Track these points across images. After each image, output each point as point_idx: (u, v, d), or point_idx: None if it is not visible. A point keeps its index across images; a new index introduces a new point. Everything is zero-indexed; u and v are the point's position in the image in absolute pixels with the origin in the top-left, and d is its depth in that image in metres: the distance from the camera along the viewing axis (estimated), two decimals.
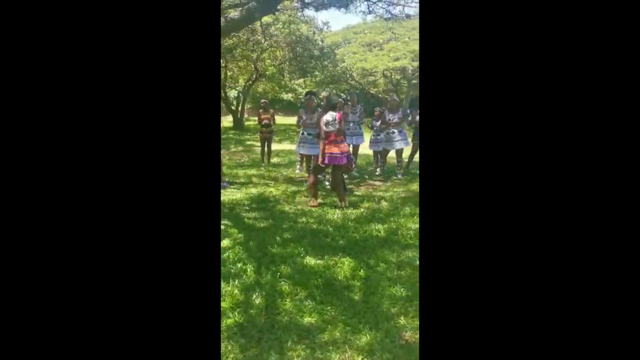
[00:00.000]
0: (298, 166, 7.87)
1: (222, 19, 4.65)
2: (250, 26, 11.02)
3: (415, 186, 6.43)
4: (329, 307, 2.58)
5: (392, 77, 21.54)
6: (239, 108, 18.66)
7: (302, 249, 3.56)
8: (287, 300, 2.68)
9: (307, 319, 2.45)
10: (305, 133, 6.55)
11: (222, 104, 18.70)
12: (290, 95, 22.19)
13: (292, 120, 9.52)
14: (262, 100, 9.62)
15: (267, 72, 17.00)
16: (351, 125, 7.20)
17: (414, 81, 20.37)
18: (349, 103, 7.59)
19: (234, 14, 4.91)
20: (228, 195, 5.76)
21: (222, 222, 4.48)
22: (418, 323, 2.42)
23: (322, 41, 17.76)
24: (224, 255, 3.41)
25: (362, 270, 3.14)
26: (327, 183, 6.51)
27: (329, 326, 2.39)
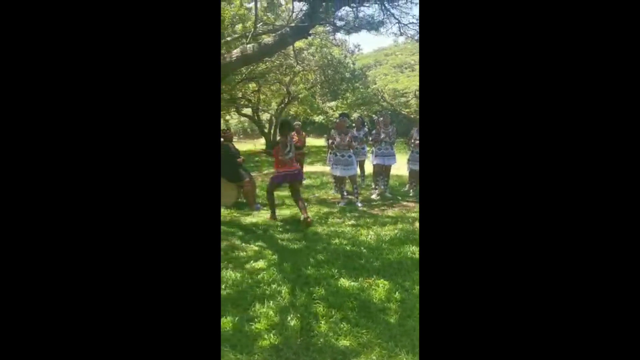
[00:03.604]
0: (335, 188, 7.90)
1: (256, 45, 4.77)
2: (283, 51, 11.23)
3: None
4: (364, 330, 2.55)
5: None
6: (272, 131, 18.93)
7: (336, 271, 3.55)
8: (322, 322, 2.67)
9: (343, 342, 2.42)
10: (338, 155, 6.57)
11: (255, 127, 18.97)
12: (321, 117, 22.38)
13: (324, 141, 9.64)
14: (295, 123, 9.73)
15: (300, 95, 17.22)
16: (383, 145, 7.18)
17: None
18: (353, 124, 7.72)
19: (267, 39, 5.03)
20: (262, 216, 5.81)
21: (256, 243, 4.51)
22: None
23: (354, 63, 17.94)
24: (258, 277, 3.43)
25: (397, 293, 3.10)
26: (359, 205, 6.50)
27: (365, 349, 2.35)
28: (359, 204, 6.56)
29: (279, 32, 4.85)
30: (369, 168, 8.33)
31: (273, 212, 5.73)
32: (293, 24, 4.85)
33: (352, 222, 5.49)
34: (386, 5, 5.15)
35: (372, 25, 5.45)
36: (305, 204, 5.72)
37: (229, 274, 3.50)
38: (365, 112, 20.28)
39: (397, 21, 5.90)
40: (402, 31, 6.70)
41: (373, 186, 7.62)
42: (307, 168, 9.93)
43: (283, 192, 7.81)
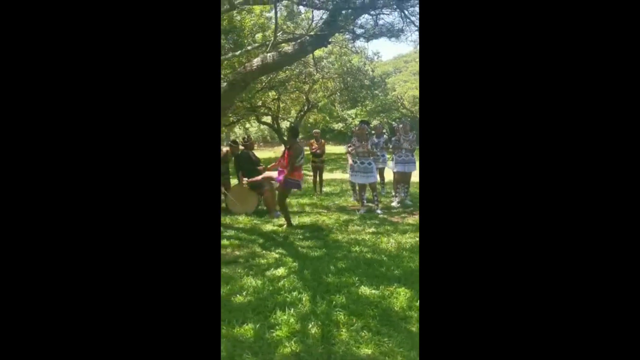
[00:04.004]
0: (354, 195, 7.93)
1: (276, 54, 4.81)
2: (302, 59, 11.30)
3: None
4: (385, 339, 2.53)
5: None
6: None
7: (356, 279, 3.53)
8: (343, 330, 2.65)
9: (364, 350, 2.41)
10: (358, 162, 6.57)
11: (275, 135, 19.10)
12: (341, 124, 22.43)
13: (343, 149, 9.62)
14: (314, 130, 9.76)
15: (319, 103, 17.29)
16: (403, 152, 7.15)
17: None
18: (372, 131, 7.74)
19: (287, 48, 5.07)
20: (281, 224, 5.83)
21: (277, 250, 4.52)
22: None
23: (373, 71, 17.95)
24: (279, 284, 3.44)
25: (418, 301, 3.06)
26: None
27: (387, 358, 2.33)
28: (379, 212, 6.54)
29: (299, 40, 4.89)
30: (389, 175, 8.31)
31: (289, 220, 5.74)
32: (313, 33, 4.88)
33: (373, 229, 5.46)
34: (406, 12, 5.15)
35: (392, 33, 5.45)
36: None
37: (249, 281, 3.52)
38: (385, 119, 20.25)
39: (416, 28, 5.89)
40: None
41: (393, 193, 7.59)
42: (326, 175, 9.95)
43: (303, 200, 7.84)
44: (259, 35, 10.00)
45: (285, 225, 5.66)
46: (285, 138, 18.60)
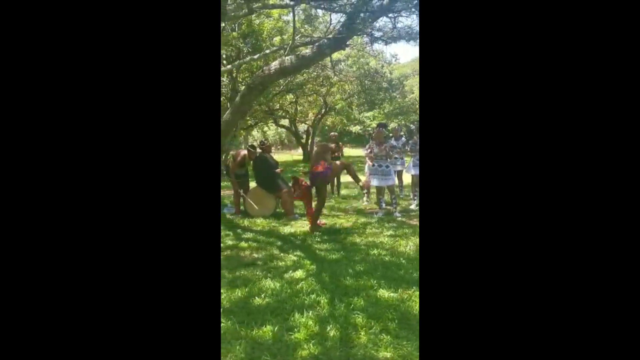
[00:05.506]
0: (365, 198, 7.91)
1: (294, 57, 4.83)
2: (320, 62, 11.33)
3: None
4: (405, 342, 2.51)
5: None
6: (309, 141, 19.08)
7: (375, 281, 3.52)
8: (362, 333, 2.64)
9: (383, 353, 2.40)
10: (375, 165, 6.56)
11: (293, 138, 19.17)
12: (358, 127, 22.42)
13: (361, 152, 9.60)
14: (332, 133, 9.77)
15: (337, 106, 17.30)
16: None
17: None
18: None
19: (305, 51, 5.09)
20: (299, 226, 5.85)
21: (295, 253, 4.54)
22: None
23: (391, 73, 17.91)
24: (297, 286, 3.44)
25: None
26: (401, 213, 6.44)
27: None
28: (398, 215, 6.51)
29: (317, 43, 4.90)
30: (407, 178, 8.27)
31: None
32: (330, 36, 4.89)
33: (391, 232, 5.44)
34: None
35: (410, 36, 5.43)
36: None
37: (268, 283, 3.54)
38: (403, 122, 20.17)
39: None
40: None
41: (411, 196, 7.55)
42: (343, 178, 9.93)
43: (313, 202, 7.83)
44: (277, 39, 10.07)
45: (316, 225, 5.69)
46: (302, 141, 18.69)
